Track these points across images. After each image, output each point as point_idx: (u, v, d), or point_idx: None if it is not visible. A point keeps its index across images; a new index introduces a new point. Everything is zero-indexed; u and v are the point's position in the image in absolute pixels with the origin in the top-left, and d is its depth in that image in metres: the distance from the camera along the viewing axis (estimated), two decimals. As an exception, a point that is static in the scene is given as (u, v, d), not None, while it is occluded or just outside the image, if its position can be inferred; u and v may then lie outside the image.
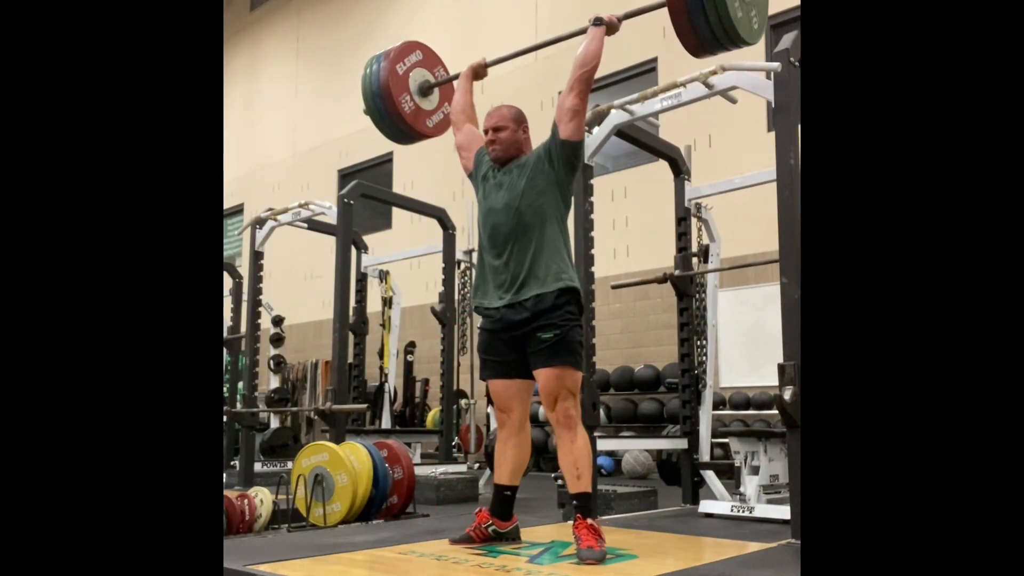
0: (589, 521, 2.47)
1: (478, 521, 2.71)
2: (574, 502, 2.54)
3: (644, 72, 8.01)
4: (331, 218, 5.09)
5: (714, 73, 3.25)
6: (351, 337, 5.66)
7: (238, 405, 5.90)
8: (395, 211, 9.83)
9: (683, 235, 4.20)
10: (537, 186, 2.66)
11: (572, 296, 2.61)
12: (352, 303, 5.58)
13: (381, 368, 6.54)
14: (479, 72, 3.05)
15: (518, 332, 2.61)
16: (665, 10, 2.69)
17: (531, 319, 2.58)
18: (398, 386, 7.35)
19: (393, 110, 3.31)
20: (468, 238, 6.21)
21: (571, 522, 2.62)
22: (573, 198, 3.64)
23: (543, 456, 7.43)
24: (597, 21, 2.75)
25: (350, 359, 5.79)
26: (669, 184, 4.28)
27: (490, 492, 2.87)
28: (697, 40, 2.60)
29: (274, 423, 7.11)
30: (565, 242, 2.70)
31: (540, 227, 2.63)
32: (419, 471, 4.32)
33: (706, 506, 3.56)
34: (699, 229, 4.35)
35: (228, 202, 12.43)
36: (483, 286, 2.73)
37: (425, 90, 3.43)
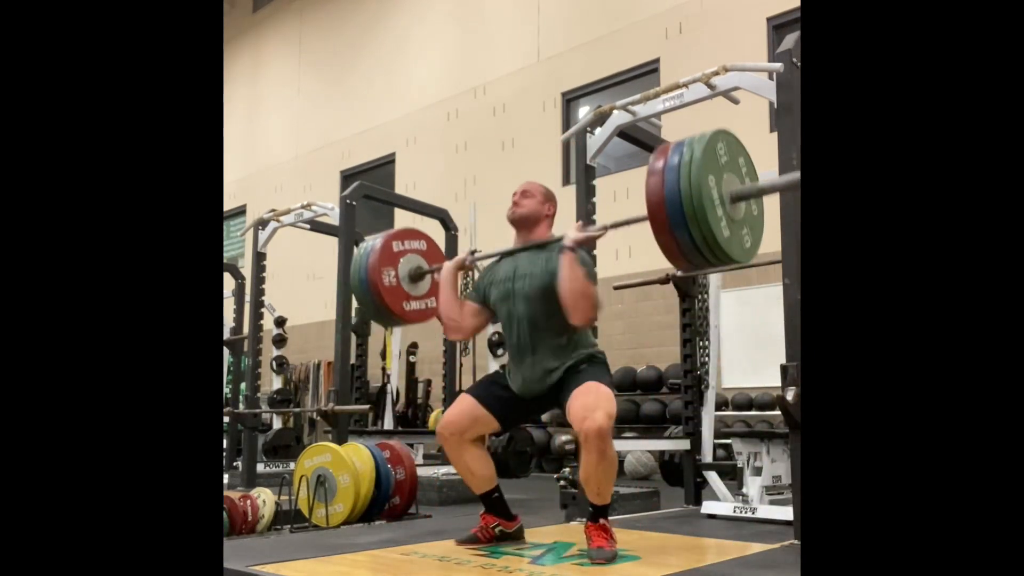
0: (601, 522, 2.47)
1: (484, 522, 2.71)
2: (589, 508, 2.52)
3: (646, 73, 8.01)
4: (333, 219, 5.09)
5: (716, 74, 3.24)
6: (353, 338, 5.65)
7: (241, 406, 5.90)
8: (397, 212, 9.83)
9: (685, 236, 4.18)
10: (552, 284, 2.57)
11: (592, 355, 2.63)
12: (354, 304, 5.57)
13: (383, 369, 6.55)
14: (465, 266, 2.87)
15: (540, 394, 2.61)
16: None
17: (552, 381, 2.58)
18: (400, 387, 7.35)
19: (371, 279, 3.32)
20: (470, 239, 6.21)
21: (573, 523, 2.62)
22: (576, 201, 3.66)
23: (545, 456, 7.42)
24: (561, 249, 2.52)
25: (352, 360, 5.79)
26: (671, 185, 4.27)
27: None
28: (682, 256, 2.44)
29: (276, 424, 7.11)
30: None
31: (560, 312, 2.53)
32: (421, 472, 4.32)
33: (708, 507, 3.56)
34: (701, 230, 4.34)
35: (231, 203, 12.44)
36: (513, 370, 2.69)
37: (416, 276, 3.44)
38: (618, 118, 3.61)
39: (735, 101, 3.44)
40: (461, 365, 5.74)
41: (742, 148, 2.64)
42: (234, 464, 6.02)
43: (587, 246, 2.63)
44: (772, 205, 3.03)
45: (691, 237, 2.36)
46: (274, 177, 12.11)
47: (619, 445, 5.92)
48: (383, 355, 6.58)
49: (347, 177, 10.88)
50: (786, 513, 3.13)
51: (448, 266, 2.83)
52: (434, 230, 5.84)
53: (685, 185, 2.35)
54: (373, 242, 3.41)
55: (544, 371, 2.59)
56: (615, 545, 2.45)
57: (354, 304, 5.56)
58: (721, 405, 6.42)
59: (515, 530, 2.75)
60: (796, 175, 2.18)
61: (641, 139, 3.91)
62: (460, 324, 2.73)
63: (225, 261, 8.55)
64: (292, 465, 4.55)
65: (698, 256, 2.42)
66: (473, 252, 2.91)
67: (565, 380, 2.56)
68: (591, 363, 2.60)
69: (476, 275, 3.43)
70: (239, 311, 6.58)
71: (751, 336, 6.64)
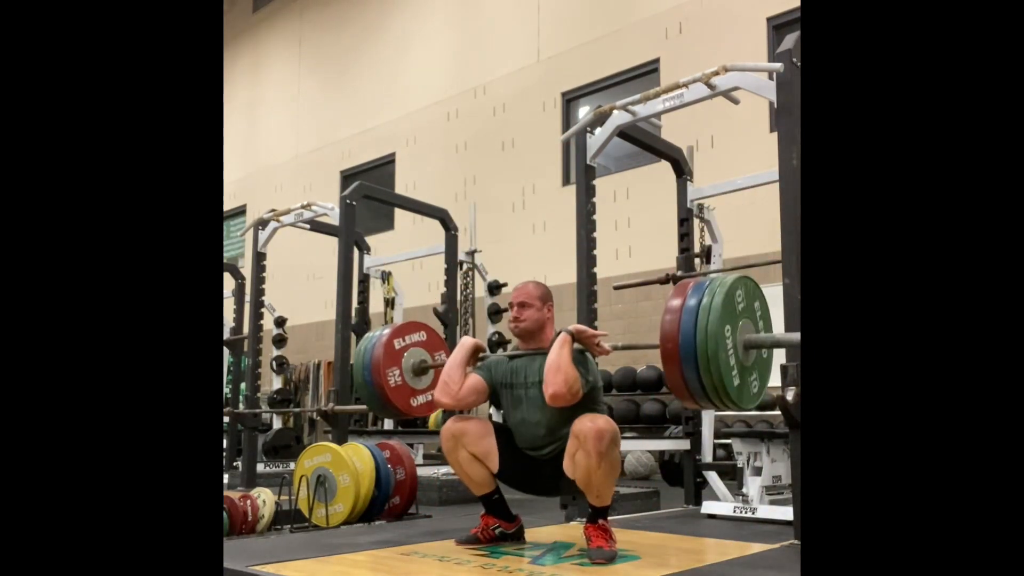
0: (600, 522, 2.47)
1: (484, 523, 2.71)
2: (589, 509, 2.53)
3: (646, 73, 8.01)
4: (333, 219, 5.09)
5: (716, 74, 3.24)
6: (353, 338, 5.65)
7: (241, 406, 5.90)
8: (397, 212, 9.84)
9: (685, 236, 4.19)
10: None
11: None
12: (354, 304, 5.58)
13: (384, 369, 6.54)
14: (478, 355, 2.80)
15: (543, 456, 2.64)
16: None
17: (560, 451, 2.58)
18: (400, 387, 7.34)
19: (377, 382, 3.34)
20: (470, 239, 6.21)
21: (573, 523, 2.62)
22: (576, 201, 3.67)
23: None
24: (559, 332, 2.57)
25: (352, 360, 5.79)
26: (671, 185, 4.28)
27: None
28: (690, 397, 2.48)
29: (276, 424, 7.11)
30: (598, 409, 2.65)
31: (574, 418, 2.52)
32: (421, 472, 4.32)
33: (708, 507, 3.56)
34: (701, 230, 4.35)
35: (231, 203, 12.44)
36: (518, 436, 2.71)
37: (419, 370, 3.45)
38: (618, 118, 3.61)
39: (735, 101, 3.44)
40: (461, 365, 5.73)
41: (759, 292, 2.68)
42: (234, 464, 6.02)
43: (588, 344, 2.62)
44: (772, 205, 3.03)
45: (701, 382, 2.42)
46: (274, 177, 12.11)
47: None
48: (383, 355, 6.58)
49: (347, 177, 10.88)
50: (786, 513, 3.13)
51: (467, 345, 2.75)
52: (434, 230, 5.86)
53: (702, 335, 2.40)
54: (376, 338, 3.42)
55: (555, 446, 2.61)
56: (615, 545, 2.45)
57: (354, 304, 5.58)
58: (721, 405, 6.41)
59: (515, 530, 2.75)
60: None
61: (641, 139, 3.91)
62: (457, 390, 2.65)
63: (225, 261, 8.55)
64: (292, 465, 4.55)
65: (705, 399, 2.48)
66: (483, 352, 2.85)
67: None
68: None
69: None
70: (239, 311, 6.58)
71: (751, 336, 6.63)
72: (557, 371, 2.45)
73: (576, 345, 2.57)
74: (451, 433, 2.63)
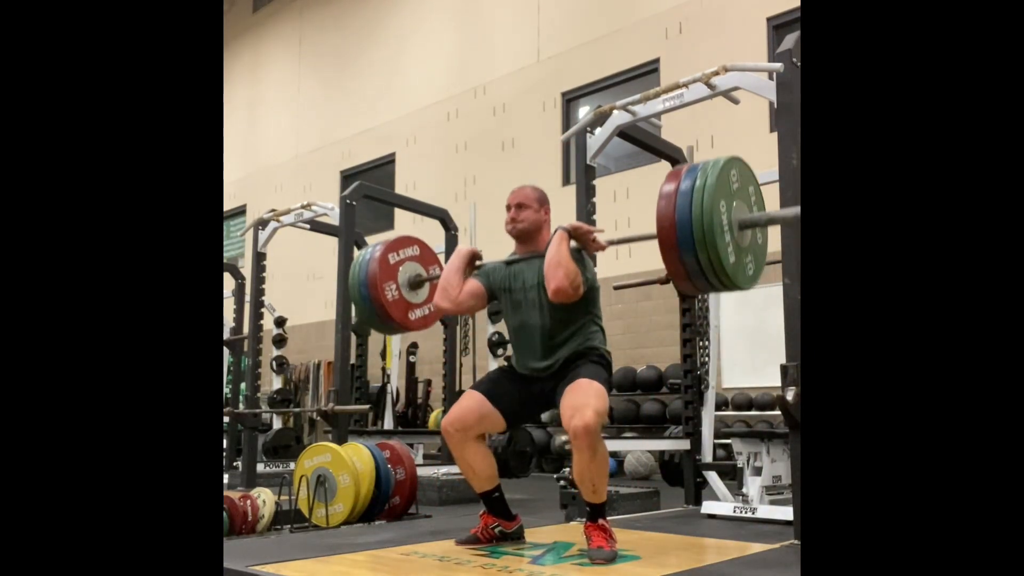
0: (599, 522, 2.47)
1: (484, 523, 2.71)
2: (587, 507, 2.53)
3: (646, 73, 8.01)
4: (333, 219, 5.09)
5: (716, 74, 3.24)
6: (353, 338, 5.65)
7: (241, 406, 5.90)
8: (397, 212, 9.84)
9: (685, 236, 4.19)
10: (565, 306, 2.61)
11: (600, 353, 2.64)
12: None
13: (383, 369, 6.55)
14: (475, 263, 2.84)
15: (540, 383, 2.63)
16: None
17: (558, 370, 2.59)
18: (400, 387, 7.36)
19: (375, 296, 3.34)
20: (470, 239, 6.21)
21: (573, 523, 2.62)
22: (576, 201, 3.66)
23: (545, 456, 7.42)
24: (556, 229, 2.59)
25: (352, 360, 5.79)
26: (671, 185, 4.27)
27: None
28: (688, 279, 2.49)
29: (276, 424, 7.11)
30: (596, 315, 2.68)
31: (567, 310, 2.60)
32: (421, 472, 4.32)
33: (708, 507, 3.56)
34: (701, 230, 4.34)
35: (231, 203, 12.44)
36: (517, 355, 2.73)
37: (415, 284, 3.45)
38: (618, 118, 3.61)
39: (735, 101, 3.44)
40: (461, 365, 5.74)
41: (753, 177, 2.67)
42: (234, 464, 6.02)
43: (584, 241, 2.62)
44: (772, 205, 3.03)
45: (698, 261, 2.40)
46: (274, 177, 12.11)
47: (619, 445, 5.94)
48: (383, 355, 6.59)
49: (347, 177, 10.89)
50: (786, 513, 3.13)
51: (463, 252, 2.82)
52: (434, 230, 5.85)
53: (697, 210, 2.38)
54: (369, 254, 3.42)
55: (553, 359, 2.62)
56: (615, 545, 2.45)
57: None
58: (721, 405, 6.42)
59: (515, 530, 2.75)
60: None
61: (641, 139, 3.91)
62: (455, 295, 2.71)
63: (225, 261, 8.55)
64: (292, 465, 4.55)
65: (703, 280, 2.46)
66: (480, 260, 2.88)
67: (563, 372, 2.58)
68: (590, 357, 2.61)
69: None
70: (239, 311, 6.59)
71: (751, 336, 6.64)
72: (557, 266, 2.48)
73: (572, 244, 2.59)
74: (453, 427, 2.61)
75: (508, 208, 2.75)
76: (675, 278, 2.55)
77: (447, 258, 5.54)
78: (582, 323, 2.63)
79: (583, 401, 2.42)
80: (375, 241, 7.34)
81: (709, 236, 2.37)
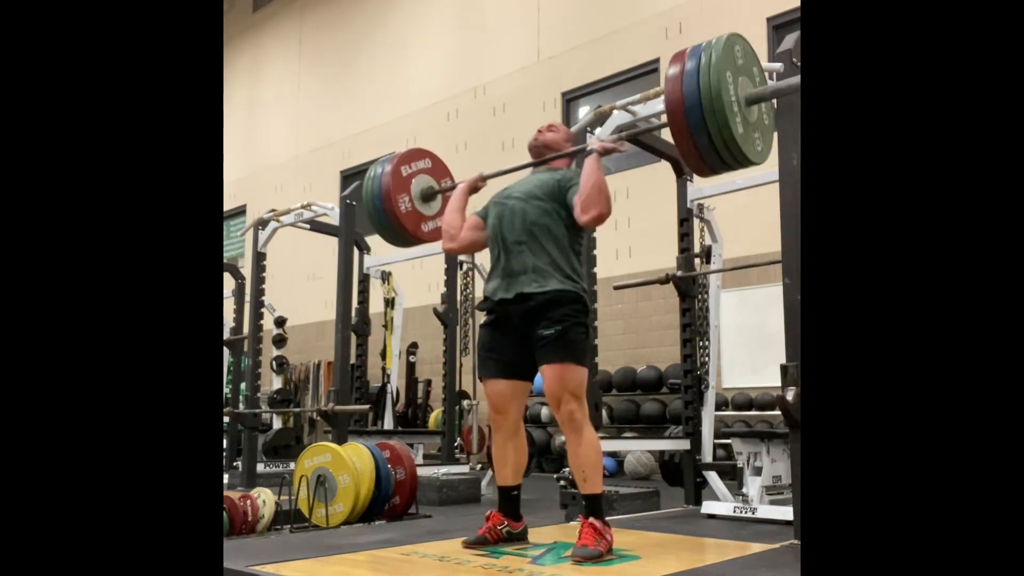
0: (591, 520, 2.47)
1: (492, 523, 2.70)
2: (583, 501, 2.54)
3: (646, 73, 8.01)
4: (333, 219, 5.09)
5: (716, 73, 3.23)
6: (353, 338, 5.65)
7: (241, 406, 5.90)
8: (397, 212, 9.81)
9: (685, 236, 4.19)
10: (551, 205, 2.63)
11: (575, 297, 2.59)
12: (354, 304, 5.58)
13: (383, 369, 6.55)
14: (477, 186, 2.92)
15: (520, 323, 2.60)
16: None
17: (532, 312, 2.56)
18: (400, 387, 7.35)
19: (389, 208, 3.35)
20: (470, 239, 6.20)
21: (573, 523, 2.62)
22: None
23: (545, 456, 7.42)
24: (588, 152, 2.61)
25: (352, 360, 5.79)
26: (671, 185, 4.28)
27: (492, 493, 2.87)
28: (700, 157, 2.49)
29: (276, 424, 7.12)
30: (577, 252, 2.68)
31: (551, 230, 2.61)
32: (421, 472, 4.32)
33: (708, 507, 3.56)
34: (701, 230, 4.35)
35: (231, 203, 12.44)
36: (490, 280, 2.72)
37: (427, 196, 3.47)
38: (618, 118, 3.61)
39: (735, 101, 3.43)
40: (461, 365, 5.74)
41: (756, 58, 2.68)
42: (234, 464, 6.02)
43: (612, 152, 2.65)
44: (772, 205, 3.03)
45: (709, 135, 2.41)
46: (274, 177, 12.11)
47: (619, 445, 5.94)
48: (383, 355, 6.58)
49: (347, 177, 10.89)
50: (786, 513, 3.13)
51: (461, 186, 2.89)
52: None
53: (704, 81, 2.40)
54: (382, 168, 3.43)
55: (526, 265, 2.58)
56: (605, 545, 2.43)
57: (354, 304, 5.58)
58: (721, 405, 6.42)
59: (521, 531, 2.75)
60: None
61: (641, 139, 3.91)
62: (457, 234, 2.77)
63: (225, 261, 8.55)
64: (292, 465, 4.55)
65: (714, 156, 2.46)
66: (484, 175, 2.95)
67: (541, 336, 2.54)
68: (566, 323, 2.54)
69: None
70: (239, 311, 6.59)
71: (751, 336, 6.64)
72: (600, 192, 2.50)
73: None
74: (499, 414, 2.66)
75: (539, 130, 2.83)
76: (687, 158, 2.56)
77: (447, 258, 5.57)
78: (563, 242, 2.61)
79: (559, 388, 2.50)
80: (375, 243, 7.32)
81: (718, 106, 2.39)
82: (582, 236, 2.72)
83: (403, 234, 3.45)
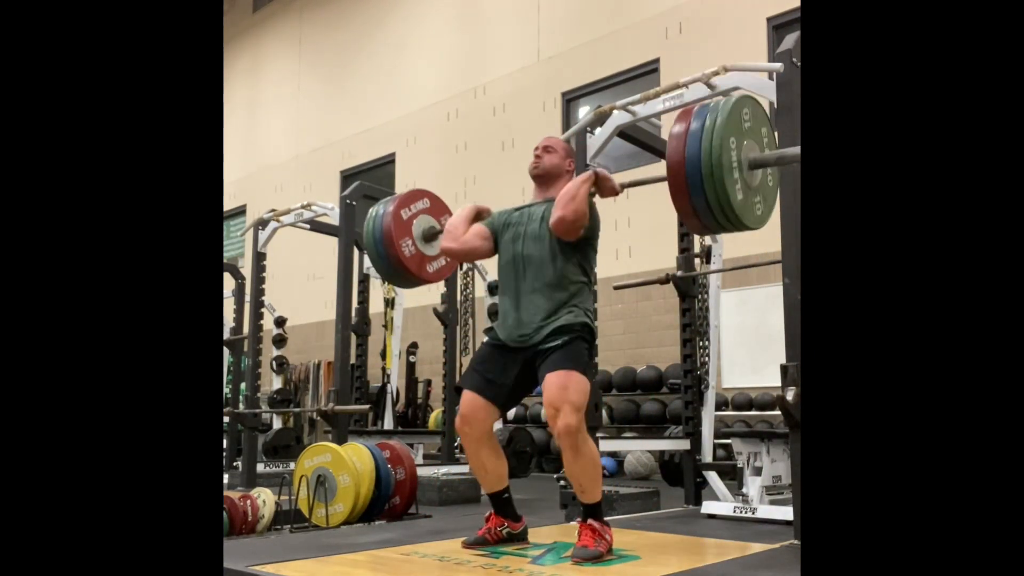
0: (590, 521, 2.47)
1: (492, 524, 2.70)
2: (581, 506, 2.54)
3: (646, 73, 8.01)
4: (333, 219, 5.09)
5: (716, 74, 3.24)
6: (353, 338, 5.65)
7: (241, 406, 5.90)
8: (397, 212, 9.81)
9: (685, 235, 4.20)
10: (558, 244, 2.61)
11: (582, 324, 2.57)
12: (354, 304, 5.58)
13: (383, 369, 6.55)
14: (481, 216, 2.85)
15: (525, 346, 2.57)
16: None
17: (539, 338, 2.54)
18: (400, 387, 7.36)
19: (392, 253, 3.37)
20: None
21: (573, 523, 2.62)
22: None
23: (545, 456, 7.42)
24: (592, 170, 2.64)
25: (352, 360, 5.79)
26: (671, 185, 4.27)
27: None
28: (696, 217, 2.49)
29: (276, 424, 7.12)
30: (588, 281, 2.66)
31: (564, 275, 2.58)
32: (421, 472, 4.32)
33: (708, 507, 3.56)
34: (701, 230, 4.34)
35: (231, 203, 12.44)
36: (502, 321, 2.68)
37: (429, 236, 3.48)
38: (618, 118, 3.61)
39: (735, 101, 3.43)
40: (461, 365, 5.74)
41: (767, 118, 2.67)
42: (234, 464, 6.02)
43: (603, 187, 2.66)
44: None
45: (706, 199, 2.40)
46: (274, 177, 12.11)
47: (619, 445, 5.93)
48: (383, 355, 6.58)
49: (347, 177, 10.88)
50: (786, 513, 3.13)
51: (469, 206, 2.85)
52: (434, 230, 5.86)
53: (707, 145, 2.39)
54: (382, 210, 3.44)
55: (538, 314, 2.56)
56: (604, 546, 2.43)
57: (354, 304, 5.58)
58: (721, 405, 6.42)
59: (521, 531, 2.75)
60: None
61: (641, 139, 3.91)
62: (460, 236, 2.73)
63: (225, 261, 8.55)
64: (292, 465, 4.55)
65: (710, 217, 2.46)
66: (487, 214, 2.90)
67: (546, 349, 2.53)
68: (572, 336, 2.54)
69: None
70: (239, 311, 6.59)
71: (751, 336, 6.64)
72: (572, 199, 2.51)
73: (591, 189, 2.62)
74: (466, 425, 2.60)
75: (536, 150, 2.79)
76: (684, 216, 2.56)
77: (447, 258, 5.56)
78: (574, 290, 2.59)
79: (560, 398, 2.41)
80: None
81: (717, 173, 2.37)
82: (590, 257, 2.68)
83: (409, 277, 3.46)
